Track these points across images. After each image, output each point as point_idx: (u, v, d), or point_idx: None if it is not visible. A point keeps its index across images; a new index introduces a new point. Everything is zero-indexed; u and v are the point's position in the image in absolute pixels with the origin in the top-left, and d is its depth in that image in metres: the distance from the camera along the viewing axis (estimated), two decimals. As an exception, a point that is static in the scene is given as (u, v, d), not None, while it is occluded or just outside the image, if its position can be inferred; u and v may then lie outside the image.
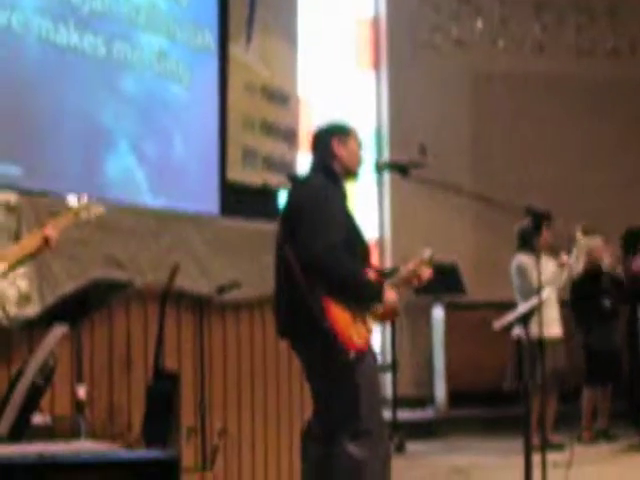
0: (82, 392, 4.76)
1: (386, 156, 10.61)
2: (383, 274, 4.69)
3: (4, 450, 3.36)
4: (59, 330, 4.04)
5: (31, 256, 4.50)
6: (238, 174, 8.12)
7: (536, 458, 5.12)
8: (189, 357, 5.66)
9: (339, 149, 4.54)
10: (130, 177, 7.16)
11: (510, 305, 6.79)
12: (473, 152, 10.92)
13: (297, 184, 4.70)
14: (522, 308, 5.82)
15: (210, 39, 7.93)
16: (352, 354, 4.23)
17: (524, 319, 5.58)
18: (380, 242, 10.78)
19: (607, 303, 8.53)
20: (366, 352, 4.33)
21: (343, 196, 4.53)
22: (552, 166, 10.85)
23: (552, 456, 5.41)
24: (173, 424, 5.16)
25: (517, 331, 7.14)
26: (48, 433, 4.49)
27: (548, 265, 7.71)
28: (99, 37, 6.90)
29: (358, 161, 4.62)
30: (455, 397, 9.81)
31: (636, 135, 11.13)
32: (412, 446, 8.34)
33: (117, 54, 7.06)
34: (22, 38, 6.40)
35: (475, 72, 11.00)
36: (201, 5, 7.92)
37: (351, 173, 4.61)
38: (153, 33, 7.39)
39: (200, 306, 5.71)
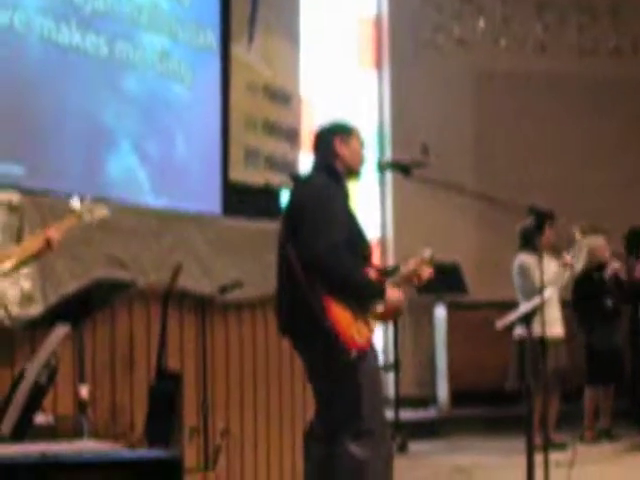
0: (85, 392, 4.76)
1: (388, 155, 10.60)
2: (384, 273, 4.68)
3: (7, 450, 3.35)
4: (62, 330, 4.03)
5: (33, 258, 4.50)
6: (240, 174, 8.13)
7: (538, 458, 5.11)
8: (191, 357, 5.66)
9: (341, 148, 4.54)
10: (132, 177, 7.17)
11: (512, 305, 6.77)
12: (475, 151, 10.91)
13: (299, 183, 4.69)
14: (524, 308, 5.81)
15: (212, 39, 7.93)
16: (354, 353, 4.22)
17: (526, 319, 5.57)
18: (382, 241, 10.77)
19: (609, 303, 8.52)
20: (368, 351, 4.32)
21: (345, 195, 4.52)
22: (554, 165, 10.84)
23: (554, 456, 5.41)
24: (176, 424, 5.15)
25: (519, 331, 7.15)
26: (51, 433, 4.49)
27: (550, 265, 7.69)
28: (101, 37, 6.91)
29: (360, 160, 4.61)
30: (457, 397, 9.80)
31: (638, 134, 11.11)
32: (414, 446, 8.33)
33: (119, 54, 7.06)
34: (24, 38, 6.40)
35: (477, 71, 10.99)
36: (203, 5, 7.93)
37: (353, 172, 4.60)
38: (155, 33, 7.40)
39: (202, 306, 5.71)
